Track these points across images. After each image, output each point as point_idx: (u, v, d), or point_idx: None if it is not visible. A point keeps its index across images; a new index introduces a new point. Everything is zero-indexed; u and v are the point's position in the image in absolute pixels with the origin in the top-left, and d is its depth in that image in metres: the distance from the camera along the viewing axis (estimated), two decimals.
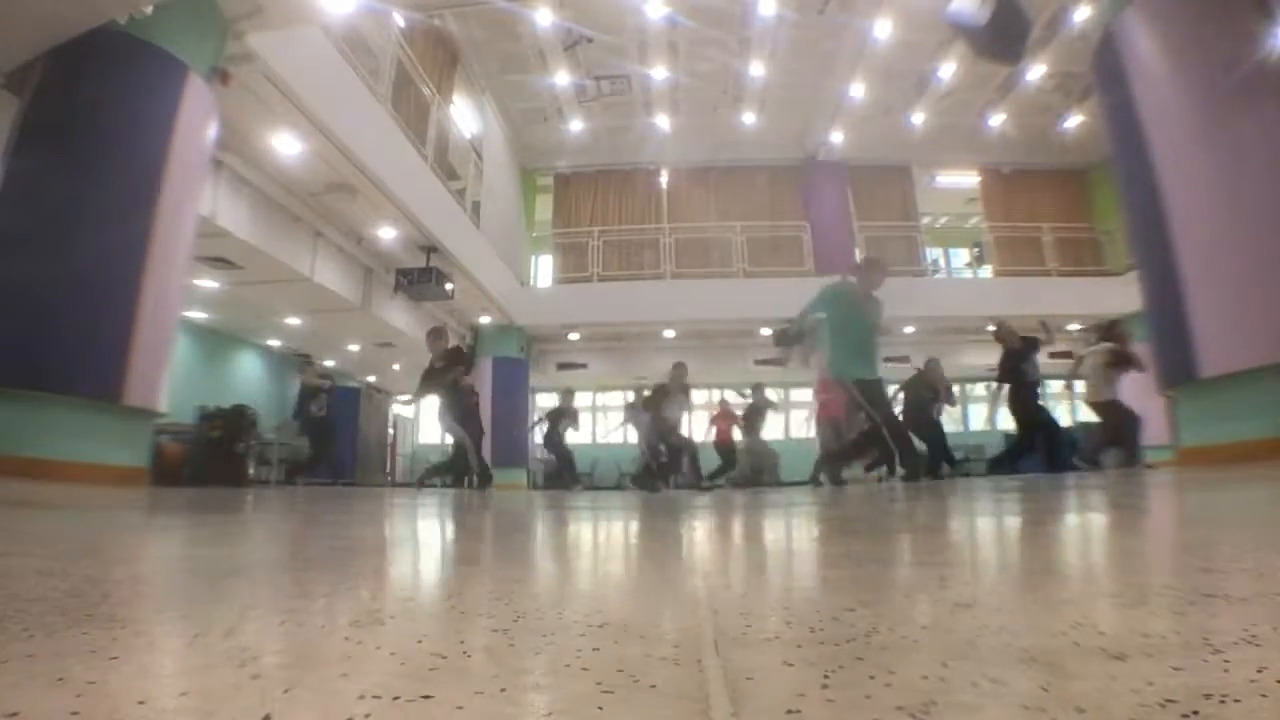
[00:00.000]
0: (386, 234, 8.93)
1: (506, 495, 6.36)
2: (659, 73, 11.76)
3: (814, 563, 1.37)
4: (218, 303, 9.40)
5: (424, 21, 9.65)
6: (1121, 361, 6.70)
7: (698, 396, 13.94)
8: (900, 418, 7.29)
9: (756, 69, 11.51)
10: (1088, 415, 13.80)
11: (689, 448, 8.38)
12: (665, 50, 11.38)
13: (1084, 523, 1.99)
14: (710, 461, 9.04)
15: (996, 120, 12.90)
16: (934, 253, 15.68)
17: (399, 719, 0.43)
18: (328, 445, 7.91)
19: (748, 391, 9.50)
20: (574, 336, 13.62)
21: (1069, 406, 14.97)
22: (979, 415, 14.54)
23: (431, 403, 7.12)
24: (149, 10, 4.44)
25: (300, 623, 0.72)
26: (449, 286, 9.74)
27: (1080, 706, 0.41)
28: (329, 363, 14.21)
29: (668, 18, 10.31)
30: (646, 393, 8.55)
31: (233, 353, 12.10)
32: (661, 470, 8.01)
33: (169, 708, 0.45)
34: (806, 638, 0.61)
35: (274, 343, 12.29)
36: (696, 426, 10.44)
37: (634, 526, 2.38)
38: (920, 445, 7.14)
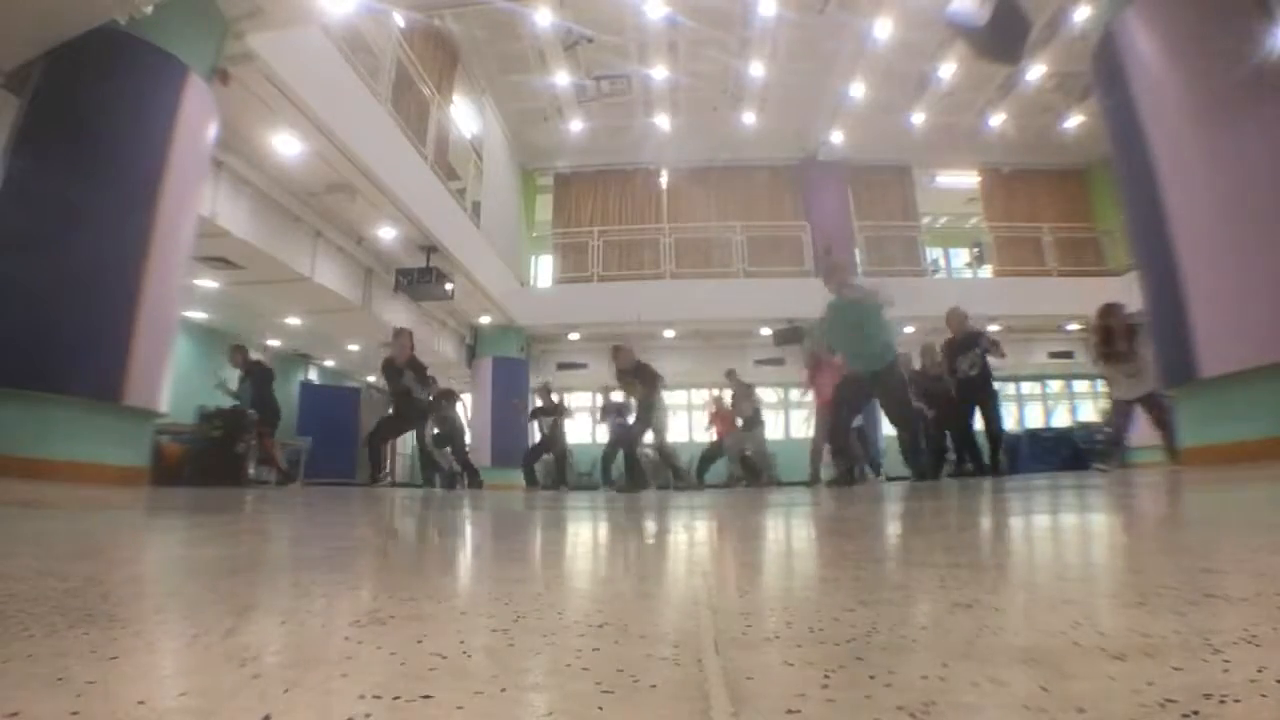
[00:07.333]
0: (386, 234, 8.93)
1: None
2: (659, 73, 11.76)
3: (813, 562, 1.37)
4: (218, 303, 9.39)
5: (424, 21, 9.66)
6: (1113, 345, 5.80)
7: (696, 397, 13.94)
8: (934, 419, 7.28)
9: (756, 69, 11.51)
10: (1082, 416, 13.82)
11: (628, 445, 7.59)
12: (665, 50, 11.38)
13: (1083, 523, 1.99)
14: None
15: (996, 120, 12.90)
16: (934, 253, 15.69)
17: (399, 719, 0.43)
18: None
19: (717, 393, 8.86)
20: (574, 336, 13.61)
21: (1068, 406, 14.98)
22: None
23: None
24: (149, 10, 4.42)
25: (300, 623, 0.72)
26: (449, 286, 9.76)
27: (1080, 706, 0.41)
28: (329, 362, 14.21)
29: (668, 18, 10.31)
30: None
31: None
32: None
33: (169, 708, 0.45)
34: (806, 637, 0.61)
35: (274, 343, 12.29)
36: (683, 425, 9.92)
37: (630, 526, 2.38)
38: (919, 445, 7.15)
